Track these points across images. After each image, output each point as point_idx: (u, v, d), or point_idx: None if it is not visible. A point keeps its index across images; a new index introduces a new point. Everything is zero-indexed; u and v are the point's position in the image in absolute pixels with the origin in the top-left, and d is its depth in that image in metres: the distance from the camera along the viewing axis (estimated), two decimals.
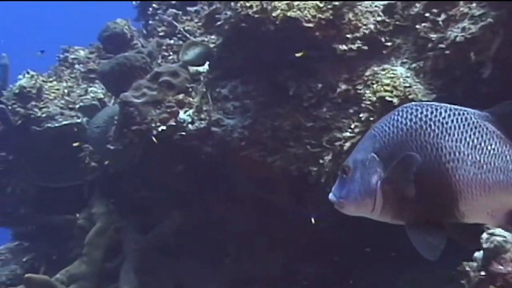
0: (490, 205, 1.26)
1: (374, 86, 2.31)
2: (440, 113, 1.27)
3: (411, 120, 1.28)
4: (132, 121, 2.63)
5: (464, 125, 1.26)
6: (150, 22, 3.49)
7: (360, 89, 2.37)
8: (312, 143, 2.45)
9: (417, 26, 2.28)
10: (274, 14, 2.31)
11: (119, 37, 3.59)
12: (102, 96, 3.48)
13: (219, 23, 2.47)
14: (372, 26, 2.38)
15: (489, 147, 1.25)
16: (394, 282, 2.79)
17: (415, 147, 1.27)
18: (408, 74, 2.32)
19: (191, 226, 3.04)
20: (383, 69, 2.35)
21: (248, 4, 2.34)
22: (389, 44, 2.39)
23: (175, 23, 3.17)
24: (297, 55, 2.34)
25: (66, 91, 3.50)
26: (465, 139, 1.26)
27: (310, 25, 2.33)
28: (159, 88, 2.69)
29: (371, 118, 2.27)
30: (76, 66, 3.69)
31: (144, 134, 2.62)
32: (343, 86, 2.40)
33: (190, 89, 2.73)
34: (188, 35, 3.06)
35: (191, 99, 2.68)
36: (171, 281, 3.03)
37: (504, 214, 1.26)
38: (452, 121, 1.27)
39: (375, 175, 1.29)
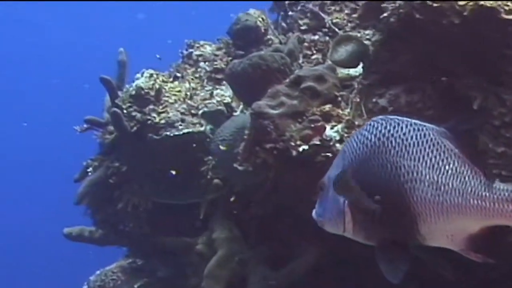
0: (449, 228, 1.27)
1: None
2: (401, 129, 1.30)
3: (375, 135, 1.31)
4: (267, 137, 2.23)
5: (422, 142, 1.28)
6: (290, 13, 3.09)
7: None
8: (502, 174, 1.97)
9: None
10: (461, 3, 1.85)
11: (252, 31, 3.22)
12: (229, 100, 3.12)
13: (384, 14, 2.01)
14: None
15: (446, 167, 1.26)
16: None
17: (377, 165, 1.30)
18: None
19: (329, 264, 2.67)
20: None
21: None
22: None
23: (322, 14, 2.74)
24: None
25: (188, 93, 3.18)
26: (423, 157, 1.27)
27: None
28: (301, 96, 2.27)
29: None
30: (201, 64, 3.36)
31: (281, 154, 2.21)
32: None
33: (339, 98, 2.31)
34: (336, 29, 2.62)
35: (340, 111, 2.25)
36: None
37: (464, 238, 1.27)
38: (412, 137, 1.28)
39: None
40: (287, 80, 2.37)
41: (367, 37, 2.50)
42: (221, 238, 2.93)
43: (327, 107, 2.27)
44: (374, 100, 2.22)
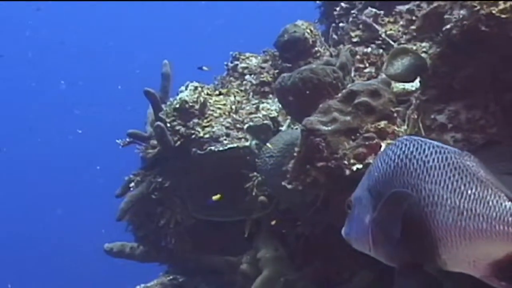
0: (472, 254, 1.25)
1: None
2: (424, 150, 1.28)
3: (398, 156, 1.30)
4: (318, 155, 2.13)
5: (443, 165, 1.26)
6: (341, 24, 2.99)
7: None
8: None
9: None
10: None
11: (299, 43, 3.12)
12: (275, 114, 3.03)
13: (447, 26, 1.90)
14: None
15: (469, 192, 1.24)
16: None
17: (398, 187, 1.29)
18: None
19: None
20: None
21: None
22: None
23: (375, 25, 2.62)
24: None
25: (233, 107, 3.09)
26: (444, 181, 1.26)
27: None
28: (355, 112, 2.16)
29: None
30: (247, 77, 3.27)
31: (333, 173, 2.11)
32: None
33: (395, 114, 2.19)
34: (391, 41, 2.51)
35: (396, 128, 2.15)
36: None
37: (487, 264, 1.25)
38: (434, 159, 1.27)
39: (367, 214, 1.33)
40: (340, 95, 2.26)
41: (423, 49, 2.38)
42: (266, 257, 2.84)
43: (382, 123, 2.16)
44: (432, 116, 2.11)
